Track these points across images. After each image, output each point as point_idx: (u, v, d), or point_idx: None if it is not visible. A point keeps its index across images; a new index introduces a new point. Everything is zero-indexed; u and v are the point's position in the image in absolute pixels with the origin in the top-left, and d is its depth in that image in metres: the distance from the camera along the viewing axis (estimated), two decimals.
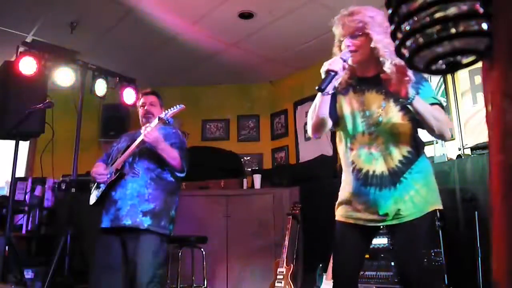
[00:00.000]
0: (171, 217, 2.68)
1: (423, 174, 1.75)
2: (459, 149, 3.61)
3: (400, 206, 1.70)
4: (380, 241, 2.97)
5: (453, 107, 3.86)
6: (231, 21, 4.23)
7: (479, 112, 3.62)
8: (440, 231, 3.09)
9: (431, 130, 1.67)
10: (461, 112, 3.79)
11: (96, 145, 5.56)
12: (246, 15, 4.14)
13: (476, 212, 2.92)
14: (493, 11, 0.64)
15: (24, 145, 5.14)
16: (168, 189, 2.70)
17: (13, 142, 3.50)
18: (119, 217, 2.54)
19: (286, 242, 3.72)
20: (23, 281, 3.24)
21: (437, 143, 3.64)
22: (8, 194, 4.09)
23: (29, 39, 4.37)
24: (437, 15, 0.66)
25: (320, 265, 3.50)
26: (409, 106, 1.62)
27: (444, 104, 1.77)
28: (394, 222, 1.72)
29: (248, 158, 5.56)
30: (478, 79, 3.69)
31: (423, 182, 1.74)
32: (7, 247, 3.14)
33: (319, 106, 1.78)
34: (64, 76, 4.10)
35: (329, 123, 1.86)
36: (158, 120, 2.60)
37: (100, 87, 4.35)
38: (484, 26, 0.66)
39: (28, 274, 3.79)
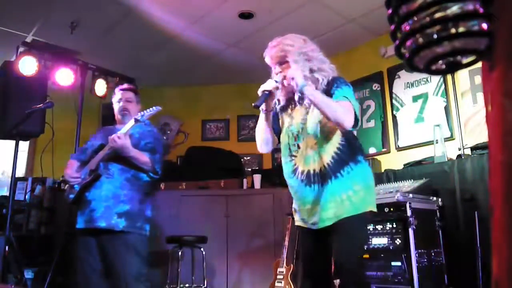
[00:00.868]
0: (147, 217, 2.63)
1: (363, 177, 1.91)
2: (459, 149, 3.61)
3: (338, 206, 1.85)
4: (380, 241, 2.97)
5: (453, 107, 3.86)
6: (231, 21, 4.23)
7: (479, 112, 3.62)
8: (440, 231, 3.09)
9: (327, 117, 1.82)
10: (461, 112, 3.80)
11: None
12: (246, 15, 4.14)
13: (476, 212, 2.92)
14: (493, 11, 0.64)
15: (24, 145, 5.14)
16: (143, 190, 2.65)
17: (13, 142, 3.50)
18: (93, 219, 2.50)
19: (286, 242, 3.72)
20: (23, 281, 3.23)
21: (437, 143, 3.64)
22: (8, 194, 4.09)
23: (29, 39, 4.37)
24: (437, 15, 0.66)
25: None
26: (302, 95, 1.87)
27: (357, 106, 1.95)
28: (334, 221, 1.85)
29: (248, 158, 5.56)
30: (478, 79, 3.69)
31: (363, 185, 1.89)
32: (7, 247, 3.14)
33: (262, 124, 2.05)
34: (64, 76, 4.10)
35: (275, 140, 2.11)
36: (134, 121, 2.56)
37: (100, 87, 4.36)
38: (484, 26, 0.66)
39: (28, 274, 3.79)
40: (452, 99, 3.88)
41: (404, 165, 3.79)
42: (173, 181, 4.66)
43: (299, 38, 2.01)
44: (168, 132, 5.70)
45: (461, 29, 0.65)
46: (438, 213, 3.11)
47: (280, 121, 2.12)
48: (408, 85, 4.26)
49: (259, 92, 1.95)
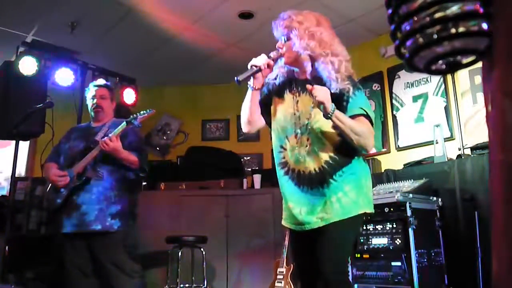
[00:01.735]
0: (135, 214, 2.69)
1: (355, 177, 1.77)
2: (459, 149, 3.61)
3: (327, 209, 1.72)
4: (380, 241, 2.96)
5: (453, 107, 3.86)
6: (231, 21, 4.23)
7: (479, 112, 3.62)
8: (440, 231, 3.09)
9: (351, 142, 1.69)
10: (461, 112, 3.80)
11: None
12: (246, 15, 4.14)
13: (476, 212, 2.92)
14: (493, 11, 0.64)
15: (24, 145, 5.14)
16: (130, 188, 2.69)
17: (13, 142, 3.50)
18: (86, 223, 2.49)
19: (286, 242, 3.71)
20: (23, 281, 3.24)
21: (437, 143, 3.64)
22: (8, 194, 4.08)
23: (29, 39, 4.37)
24: (437, 15, 0.66)
25: None
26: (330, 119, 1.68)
27: (372, 115, 1.80)
28: (321, 224, 1.73)
29: (248, 158, 5.56)
30: (478, 79, 3.69)
31: (353, 185, 1.75)
32: (7, 247, 3.14)
33: (247, 100, 1.88)
34: (64, 76, 4.10)
35: (260, 122, 1.95)
36: (126, 124, 2.55)
37: None
38: (484, 26, 0.66)
39: (28, 274, 3.79)
40: (452, 99, 3.88)
41: (404, 165, 3.79)
42: (173, 181, 4.66)
43: (313, 17, 1.82)
44: (168, 132, 5.70)
45: (461, 29, 0.65)
46: (438, 213, 3.11)
47: (273, 104, 1.92)
48: (408, 85, 4.26)
49: (248, 66, 1.78)
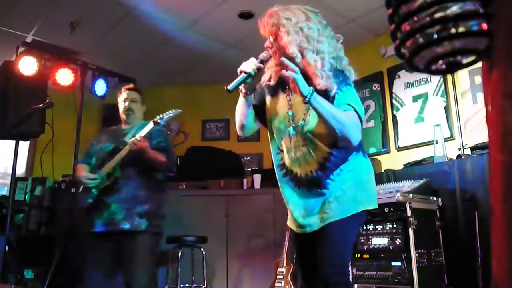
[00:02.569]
0: (162, 215, 2.71)
1: (354, 173, 1.73)
2: (459, 149, 3.61)
3: (326, 209, 1.70)
4: (380, 241, 2.96)
5: (453, 107, 3.86)
6: (231, 21, 4.23)
7: (479, 112, 3.62)
8: (440, 231, 3.09)
9: (333, 132, 1.60)
10: (461, 112, 3.79)
11: None
12: (246, 15, 4.14)
13: (476, 212, 2.92)
14: (493, 11, 0.64)
15: (24, 145, 5.14)
16: (158, 188, 2.72)
17: (13, 142, 3.50)
18: (115, 222, 2.53)
19: (286, 242, 3.71)
20: (23, 281, 3.24)
21: (437, 143, 3.64)
22: (8, 194, 4.09)
23: (29, 39, 4.37)
24: (437, 15, 0.66)
25: None
26: (309, 105, 1.59)
27: (360, 110, 1.68)
28: (321, 225, 1.71)
29: (248, 158, 5.55)
30: (478, 79, 3.69)
31: (352, 182, 1.71)
32: (7, 247, 3.14)
33: (239, 106, 1.83)
34: (64, 76, 4.10)
35: (255, 125, 1.92)
36: (153, 124, 2.59)
37: (100, 87, 4.36)
38: (484, 26, 0.66)
39: (28, 274, 3.79)
40: (452, 99, 3.88)
41: (404, 165, 3.79)
42: (173, 181, 4.65)
43: (302, 13, 1.72)
44: (168, 132, 5.69)
45: (461, 29, 0.65)
46: (438, 213, 3.11)
47: (268, 105, 1.88)
48: (408, 85, 4.26)
49: (238, 71, 1.69)
